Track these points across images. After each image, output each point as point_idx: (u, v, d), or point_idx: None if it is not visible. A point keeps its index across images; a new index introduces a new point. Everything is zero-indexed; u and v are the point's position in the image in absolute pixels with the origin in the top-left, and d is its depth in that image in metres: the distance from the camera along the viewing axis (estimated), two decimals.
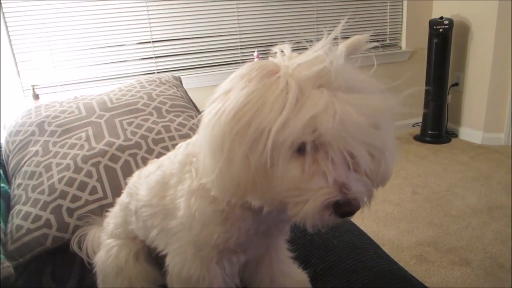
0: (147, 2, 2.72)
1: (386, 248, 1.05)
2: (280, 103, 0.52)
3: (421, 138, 3.54)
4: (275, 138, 0.51)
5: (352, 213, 0.53)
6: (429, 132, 3.48)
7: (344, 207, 0.52)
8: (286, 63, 0.56)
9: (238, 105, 0.53)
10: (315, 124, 0.50)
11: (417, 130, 3.66)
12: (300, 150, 0.53)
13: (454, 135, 3.56)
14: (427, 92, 3.42)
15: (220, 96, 0.57)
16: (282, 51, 0.60)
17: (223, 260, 0.73)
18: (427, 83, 3.43)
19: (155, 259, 0.88)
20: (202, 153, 0.60)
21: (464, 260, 1.83)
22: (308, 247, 1.02)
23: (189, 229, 0.70)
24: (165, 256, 0.77)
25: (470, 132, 3.43)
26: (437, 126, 3.44)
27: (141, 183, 0.85)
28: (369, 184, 0.57)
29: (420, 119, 3.61)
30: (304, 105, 0.51)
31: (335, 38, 0.58)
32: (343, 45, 0.59)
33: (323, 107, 0.51)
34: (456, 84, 3.48)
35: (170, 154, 0.83)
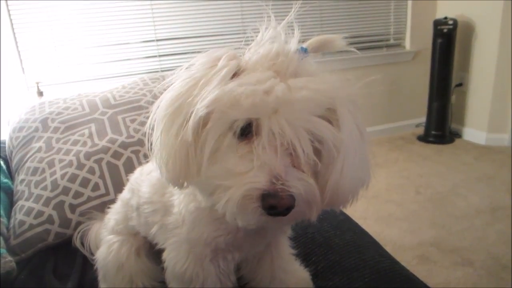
0: (151, 0, 2.72)
1: (388, 248, 1.05)
2: (211, 81, 0.52)
3: (424, 138, 3.52)
4: (196, 110, 0.51)
5: (279, 209, 0.47)
6: (432, 132, 3.47)
7: (269, 199, 0.47)
8: (235, 49, 0.57)
9: (176, 88, 0.55)
10: (247, 99, 0.48)
11: (421, 130, 3.65)
12: (242, 134, 0.51)
13: (458, 135, 3.55)
14: (430, 92, 3.42)
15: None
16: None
17: (218, 258, 0.73)
18: (431, 83, 3.42)
19: (156, 255, 0.89)
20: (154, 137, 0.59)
21: (467, 261, 1.82)
22: (309, 245, 1.01)
23: (181, 227, 0.70)
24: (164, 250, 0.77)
25: (474, 132, 3.42)
26: (440, 127, 3.43)
27: (143, 179, 0.85)
28: (312, 186, 0.51)
29: (423, 119, 3.60)
30: (237, 79, 0.51)
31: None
32: (307, 43, 0.58)
33: (254, 80, 0.49)
34: (460, 85, 3.47)
35: None
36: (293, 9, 0.58)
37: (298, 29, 0.58)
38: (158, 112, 0.56)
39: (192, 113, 0.52)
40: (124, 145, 1.24)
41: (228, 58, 0.54)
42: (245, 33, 0.61)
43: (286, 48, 0.55)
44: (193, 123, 0.51)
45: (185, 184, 0.58)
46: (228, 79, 0.52)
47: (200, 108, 0.50)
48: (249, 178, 0.48)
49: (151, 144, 0.59)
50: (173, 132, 0.54)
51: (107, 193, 1.16)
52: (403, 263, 0.98)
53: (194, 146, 0.53)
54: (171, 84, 0.57)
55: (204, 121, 0.52)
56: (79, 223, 1.11)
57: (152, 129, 0.58)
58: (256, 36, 0.59)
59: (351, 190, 0.56)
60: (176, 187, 0.60)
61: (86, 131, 1.29)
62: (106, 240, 0.93)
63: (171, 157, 0.54)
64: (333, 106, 0.52)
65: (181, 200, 0.70)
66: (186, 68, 0.58)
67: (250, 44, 0.59)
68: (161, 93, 0.59)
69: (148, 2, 2.72)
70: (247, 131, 0.51)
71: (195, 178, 0.54)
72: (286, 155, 0.50)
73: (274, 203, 0.47)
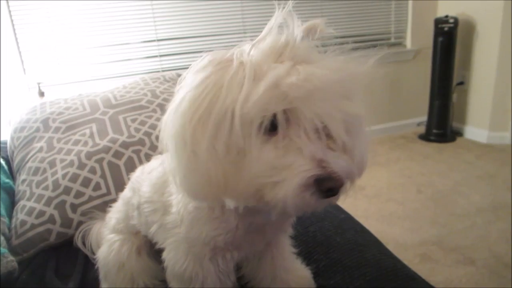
0: (152, 0, 2.73)
1: (390, 247, 1.05)
2: (237, 81, 0.50)
3: (426, 137, 3.52)
4: (241, 115, 0.49)
5: (335, 190, 0.49)
6: (434, 131, 3.46)
7: (326, 183, 0.48)
8: (239, 48, 0.56)
9: (195, 92, 0.51)
10: (279, 90, 0.48)
11: (422, 129, 3.65)
12: (271, 128, 0.50)
13: (459, 134, 3.54)
14: (431, 90, 3.41)
15: (179, 92, 0.56)
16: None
17: (217, 257, 0.72)
18: (432, 82, 3.41)
19: (157, 254, 0.88)
20: (169, 157, 0.56)
21: (469, 259, 1.82)
22: (310, 243, 1.01)
23: (180, 226, 0.70)
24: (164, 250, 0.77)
25: (475, 131, 3.41)
26: (442, 125, 3.43)
27: (144, 178, 0.85)
28: (349, 163, 0.53)
29: (425, 118, 3.59)
30: (264, 76, 0.50)
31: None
32: (301, 28, 0.57)
33: (284, 71, 0.49)
34: (461, 83, 3.47)
35: None
36: (288, 8, 0.58)
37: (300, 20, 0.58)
38: (177, 121, 0.52)
39: (227, 115, 0.49)
40: (125, 145, 1.24)
41: (239, 57, 0.53)
42: (245, 33, 0.60)
43: (293, 36, 0.55)
44: (239, 129, 0.49)
45: (222, 198, 0.55)
46: (253, 76, 0.51)
47: (250, 109, 0.48)
48: (298, 167, 0.48)
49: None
50: (204, 143, 0.50)
51: (108, 193, 1.16)
52: (405, 262, 0.98)
53: (232, 155, 0.51)
54: (177, 96, 0.55)
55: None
56: (80, 223, 1.11)
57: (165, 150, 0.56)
58: (257, 36, 0.59)
59: (367, 160, 0.59)
60: (212, 203, 0.57)
61: (87, 131, 1.29)
62: (107, 239, 0.93)
63: (204, 172, 0.51)
64: (351, 82, 0.53)
65: (179, 200, 0.70)
66: (192, 74, 0.55)
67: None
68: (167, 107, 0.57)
69: (149, 2, 2.73)
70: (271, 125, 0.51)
71: (233, 188, 0.52)
72: (319, 138, 0.51)
73: (331, 185, 0.48)
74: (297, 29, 0.56)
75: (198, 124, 0.51)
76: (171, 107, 0.55)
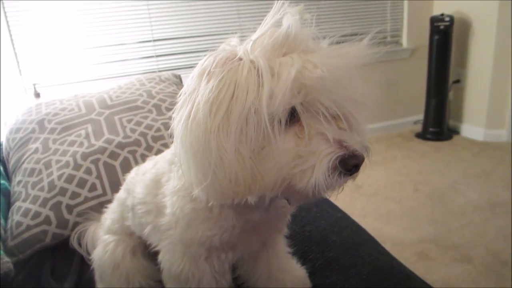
0: (148, 1, 2.72)
1: (387, 246, 1.05)
2: (254, 80, 0.51)
3: (422, 135, 3.53)
4: (267, 112, 0.49)
5: (359, 165, 0.52)
6: (430, 129, 3.47)
7: (351, 160, 0.51)
8: (241, 45, 0.56)
9: (211, 96, 0.51)
10: (299, 83, 0.50)
11: (419, 128, 3.65)
12: (288, 120, 0.52)
13: (456, 132, 3.55)
14: (428, 89, 3.42)
15: (186, 100, 0.55)
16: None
17: (212, 257, 0.73)
18: (428, 80, 3.42)
19: (151, 255, 0.89)
20: (185, 166, 0.56)
21: (466, 257, 1.82)
22: (306, 242, 1.01)
23: (175, 228, 0.70)
24: (159, 252, 0.77)
25: (471, 129, 3.42)
26: (438, 123, 3.43)
27: (138, 180, 0.85)
28: (362, 141, 0.56)
29: (421, 116, 3.60)
30: (280, 72, 0.51)
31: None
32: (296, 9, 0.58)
33: (300, 65, 0.51)
34: (458, 81, 3.47)
35: (165, 152, 0.83)
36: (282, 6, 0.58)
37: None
38: (195, 130, 0.52)
39: (250, 116, 0.50)
40: (121, 145, 1.24)
41: (246, 55, 0.54)
42: (241, 32, 0.60)
43: (292, 28, 0.55)
44: (268, 125, 0.50)
45: (249, 195, 0.55)
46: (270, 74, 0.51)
47: (275, 105, 0.49)
48: (324, 151, 0.51)
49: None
50: (229, 146, 0.51)
51: (104, 194, 1.16)
52: (402, 260, 0.98)
53: (258, 153, 0.52)
54: (186, 102, 0.55)
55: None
56: (76, 224, 1.11)
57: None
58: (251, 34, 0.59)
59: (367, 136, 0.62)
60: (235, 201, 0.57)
61: (83, 132, 1.29)
62: (102, 240, 0.93)
63: (232, 175, 0.52)
64: (355, 65, 0.56)
65: (174, 202, 0.69)
66: (198, 77, 0.55)
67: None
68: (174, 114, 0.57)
69: (145, 3, 2.72)
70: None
71: (260, 183, 0.53)
72: (332, 121, 0.53)
73: (356, 162, 0.51)
74: (294, 20, 0.56)
75: (220, 128, 0.51)
76: (183, 115, 0.54)
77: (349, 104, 0.54)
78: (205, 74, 0.53)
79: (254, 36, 0.56)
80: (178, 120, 0.55)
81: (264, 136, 0.51)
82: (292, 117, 0.52)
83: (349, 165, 0.51)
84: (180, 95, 0.58)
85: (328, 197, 0.55)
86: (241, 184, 0.53)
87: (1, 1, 2.37)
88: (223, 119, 0.50)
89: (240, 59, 0.53)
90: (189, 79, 0.56)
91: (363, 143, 0.55)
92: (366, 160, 0.55)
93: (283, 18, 0.57)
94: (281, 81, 0.50)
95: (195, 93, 0.53)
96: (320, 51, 0.55)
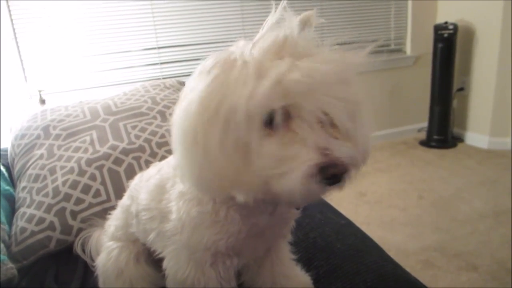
0: (152, 8, 2.74)
1: (392, 253, 1.04)
2: (242, 79, 0.51)
3: (426, 143, 3.52)
4: (245, 111, 0.50)
5: (339, 176, 0.51)
6: (434, 137, 3.46)
7: (330, 170, 0.50)
8: (241, 47, 0.57)
9: (203, 93, 0.53)
10: (281, 87, 0.50)
11: (423, 135, 3.64)
12: (272, 122, 0.52)
13: (460, 140, 3.54)
14: (432, 96, 3.42)
15: (184, 96, 0.58)
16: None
17: (217, 263, 0.73)
18: (432, 88, 3.42)
19: (155, 261, 0.88)
20: (179, 155, 0.58)
21: (471, 265, 1.81)
22: (311, 249, 1.01)
23: (181, 233, 0.70)
24: (164, 258, 0.77)
25: (476, 136, 3.41)
26: (442, 131, 3.42)
27: (141, 186, 0.85)
28: (352, 150, 0.54)
29: (425, 124, 3.59)
30: (266, 73, 0.51)
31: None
32: (297, 19, 0.59)
33: (286, 68, 0.51)
34: (462, 89, 3.47)
35: (169, 158, 0.84)
36: (284, 5, 0.59)
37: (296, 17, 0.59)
38: (187, 122, 0.54)
39: (233, 113, 0.51)
40: (125, 152, 1.25)
41: (242, 56, 0.55)
42: (246, 40, 0.61)
43: (291, 31, 0.56)
44: (244, 124, 0.51)
45: (233, 191, 0.56)
46: (256, 74, 0.52)
47: (254, 106, 0.50)
48: (303, 157, 0.50)
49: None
50: (214, 140, 0.52)
51: (108, 200, 1.16)
52: (407, 268, 0.97)
53: (241, 150, 0.53)
54: (186, 97, 0.57)
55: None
56: (80, 230, 1.11)
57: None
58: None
59: (370, 145, 0.61)
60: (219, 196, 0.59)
61: (88, 138, 1.30)
62: (106, 247, 0.93)
63: (216, 168, 0.53)
64: (348, 71, 0.55)
65: (180, 206, 0.69)
66: (198, 76, 0.57)
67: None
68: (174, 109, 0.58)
69: (150, 10, 2.74)
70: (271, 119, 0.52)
71: (243, 182, 0.54)
72: (321, 128, 0.52)
73: (335, 172, 0.50)
74: (294, 23, 0.57)
75: (208, 123, 0.52)
76: (180, 108, 0.57)
77: (340, 111, 0.52)
78: (203, 73, 0.56)
79: (255, 39, 0.57)
80: (177, 112, 0.58)
81: (245, 136, 0.51)
82: (283, 121, 0.52)
83: (327, 174, 0.50)
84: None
85: (305, 204, 0.54)
86: (224, 178, 0.54)
87: (7, 8, 2.39)
88: (212, 113, 0.52)
89: (236, 60, 0.54)
90: (190, 77, 0.59)
91: (353, 153, 0.53)
92: (355, 170, 0.54)
93: (284, 22, 0.57)
94: (262, 82, 0.50)
95: (192, 90, 0.56)
96: (317, 55, 0.54)
